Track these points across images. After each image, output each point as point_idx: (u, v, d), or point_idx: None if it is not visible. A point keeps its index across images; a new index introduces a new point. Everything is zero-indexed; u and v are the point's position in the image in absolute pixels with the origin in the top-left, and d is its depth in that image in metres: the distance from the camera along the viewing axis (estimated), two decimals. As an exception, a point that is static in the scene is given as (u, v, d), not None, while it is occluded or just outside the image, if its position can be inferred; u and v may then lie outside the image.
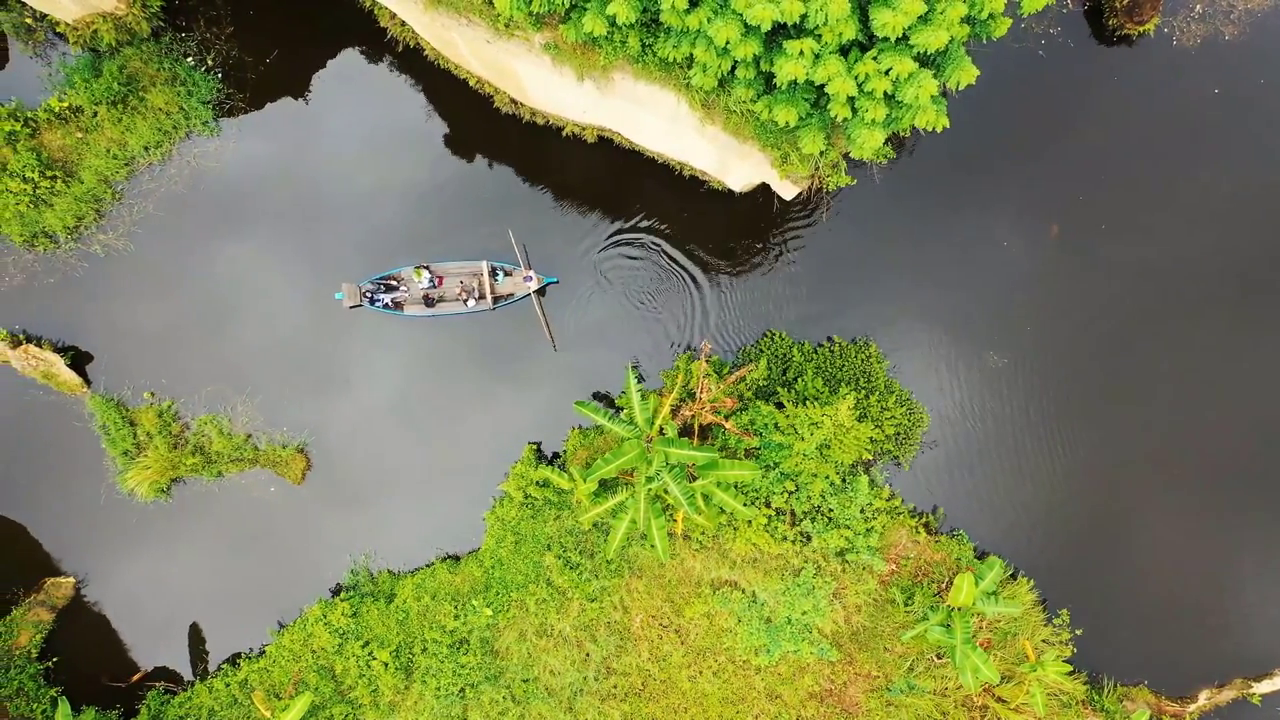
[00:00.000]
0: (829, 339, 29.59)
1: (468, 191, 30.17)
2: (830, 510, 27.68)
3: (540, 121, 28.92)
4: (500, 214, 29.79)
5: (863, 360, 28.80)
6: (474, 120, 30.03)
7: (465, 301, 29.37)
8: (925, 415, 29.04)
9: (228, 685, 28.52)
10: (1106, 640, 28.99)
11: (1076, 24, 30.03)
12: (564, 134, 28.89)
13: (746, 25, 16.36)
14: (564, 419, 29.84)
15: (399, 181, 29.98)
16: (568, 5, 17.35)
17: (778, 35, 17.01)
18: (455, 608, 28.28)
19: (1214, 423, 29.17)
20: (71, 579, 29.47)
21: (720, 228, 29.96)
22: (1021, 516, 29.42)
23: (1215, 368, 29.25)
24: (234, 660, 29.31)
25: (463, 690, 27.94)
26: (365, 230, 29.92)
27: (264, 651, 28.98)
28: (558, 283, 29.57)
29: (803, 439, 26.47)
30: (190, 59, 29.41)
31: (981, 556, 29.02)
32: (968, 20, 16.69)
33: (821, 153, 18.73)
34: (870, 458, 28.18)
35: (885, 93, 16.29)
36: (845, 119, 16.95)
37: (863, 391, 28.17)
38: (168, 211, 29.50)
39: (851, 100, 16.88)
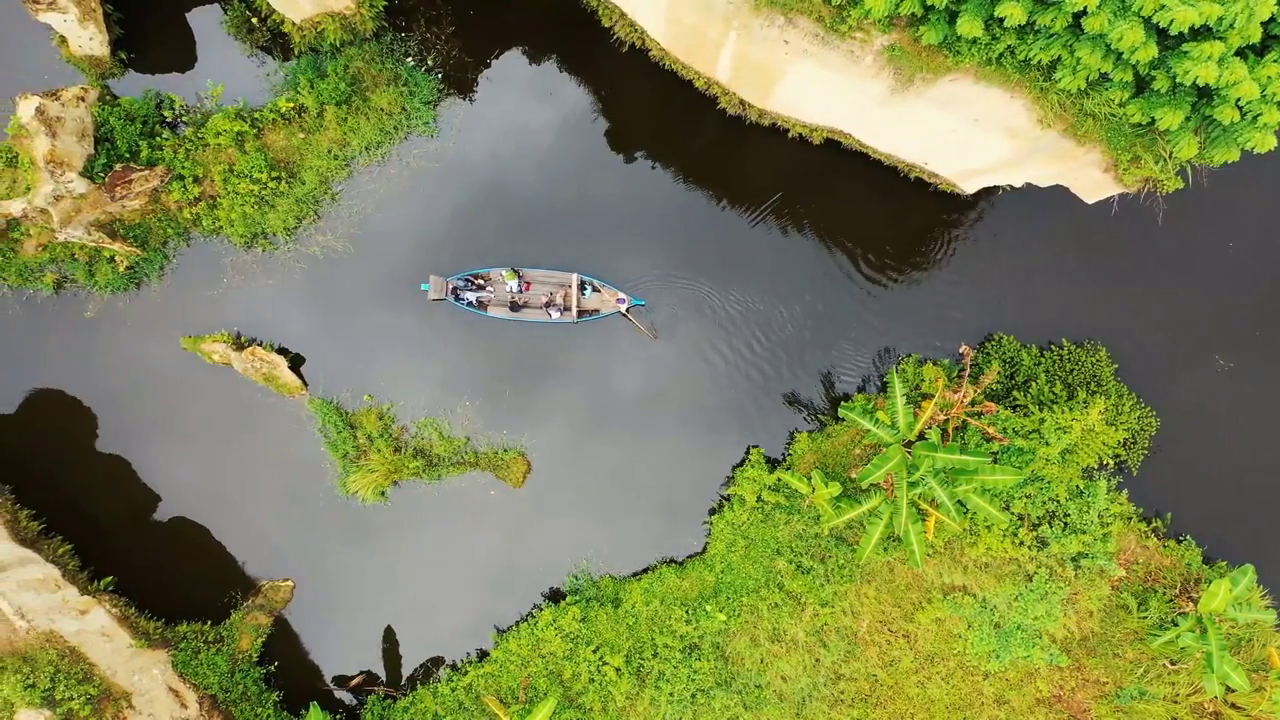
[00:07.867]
0: (1050, 343, 29.35)
1: (641, 193, 29.98)
2: (1068, 515, 27.45)
3: (765, 123, 28.64)
4: (660, 217, 29.74)
5: (1093, 363, 28.55)
6: (687, 120, 29.72)
7: (549, 312, 28.93)
8: (1155, 419, 28.79)
9: (453, 690, 28.32)
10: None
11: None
12: (790, 135, 28.61)
13: (1147, 28, 16.17)
14: (780, 425, 29.71)
15: (576, 183, 29.84)
16: (942, 5, 17.13)
17: (1167, 38, 16.81)
18: (686, 612, 28.06)
19: None
20: (289, 582, 29.32)
21: (936, 229, 29.77)
22: (1247, 521, 29.18)
23: None
24: (453, 665, 29.15)
25: (694, 695, 27.74)
26: (509, 223, 29.67)
27: (487, 656, 28.81)
28: (644, 305, 29.38)
29: (1047, 444, 26.26)
30: (410, 59, 29.16)
31: (1208, 562, 28.79)
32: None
33: (1170, 155, 18.53)
34: (1108, 463, 27.96)
35: (1284, 97, 16.14)
36: (1234, 122, 16.78)
37: (1095, 395, 27.91)
38: (385, 213, 29.30)
39: (1239, 104, 16.70)
